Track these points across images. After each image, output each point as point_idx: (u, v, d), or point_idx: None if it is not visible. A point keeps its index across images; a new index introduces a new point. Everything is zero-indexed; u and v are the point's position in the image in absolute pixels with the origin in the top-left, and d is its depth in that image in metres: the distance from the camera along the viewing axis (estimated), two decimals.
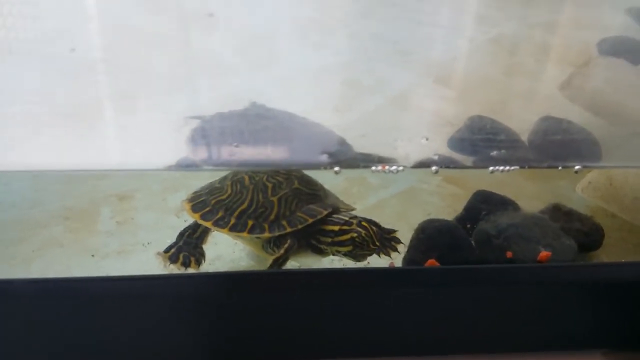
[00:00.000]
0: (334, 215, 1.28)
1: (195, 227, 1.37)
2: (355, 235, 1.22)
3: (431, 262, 1.27)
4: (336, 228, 1.25)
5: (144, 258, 1.44)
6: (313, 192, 1.32)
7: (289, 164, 1.29)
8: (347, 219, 1.25)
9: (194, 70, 1.58)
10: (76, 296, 1.13)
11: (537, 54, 1.81)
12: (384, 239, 1.31)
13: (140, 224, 1.59)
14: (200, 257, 1.35)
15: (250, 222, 1.26)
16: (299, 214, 1.27)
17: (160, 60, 1.55)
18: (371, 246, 1.23)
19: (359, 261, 1.27)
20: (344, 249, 1.25)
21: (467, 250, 1.31)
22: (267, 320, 1.18)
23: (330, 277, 1.19)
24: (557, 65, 1.70)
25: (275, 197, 1.27)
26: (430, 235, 1.31)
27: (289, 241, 1.26)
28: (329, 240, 1.26)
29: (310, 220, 1.26)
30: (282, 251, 1.25)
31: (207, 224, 1.28)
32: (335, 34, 1.88)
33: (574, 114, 1.36)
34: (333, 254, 1.29)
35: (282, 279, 1.19)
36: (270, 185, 1.28)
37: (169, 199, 1.65)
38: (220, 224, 1.26)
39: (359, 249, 1.24)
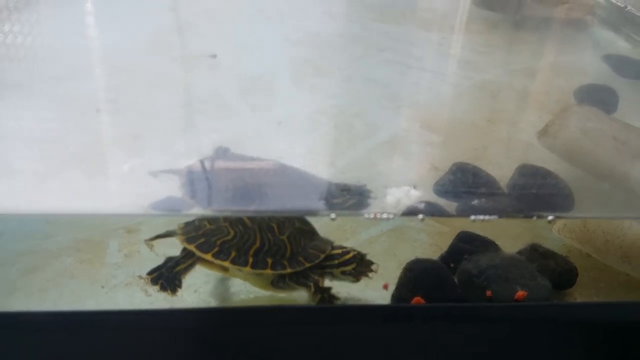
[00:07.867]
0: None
1: (179, 260, 1.43)
2: (356, 252, 1.40)
3: (417, 300, 1.38)
4: (339, 251, 1.41)
5: (149, 290, 1.54)
6: (312, 231, 1.44)
7: (288, 211, 1.39)
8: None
9: (192, 113, 1.68)
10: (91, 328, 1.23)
11: (519, 100, 1.94)
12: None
13: (146, 256, 1.68)
14: (175, 287, 1.41)
15: (269, 260, 1.35)
16: (309, 250, 1.39)
17: (159, 102, 1.66)
18: (367, 263, 1.41)
19: (358, 280, 1.42)
20: (349, 267, 1.39)
21: (451, 289, 1.42)
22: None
23: (322, 314, 1.30)
24: (536, 112, 1.82)
25: (284, 236, 1.38)
26: (417, 275, 1.42)
27: (311, 276, 1.39)
28: (336, 262, 1.39)
29: (322, 256, 1.39)
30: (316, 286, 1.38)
31: (225, 264, 1.36)
32: (330, 76, 1.99)
33: (551, 162, 1.46)
34: (336, 277, 1.42)
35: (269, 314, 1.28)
36: (275, 225, 1.39)
37: None
38: (239, 262, 1.35)
39: (360, 267, 1.40)
